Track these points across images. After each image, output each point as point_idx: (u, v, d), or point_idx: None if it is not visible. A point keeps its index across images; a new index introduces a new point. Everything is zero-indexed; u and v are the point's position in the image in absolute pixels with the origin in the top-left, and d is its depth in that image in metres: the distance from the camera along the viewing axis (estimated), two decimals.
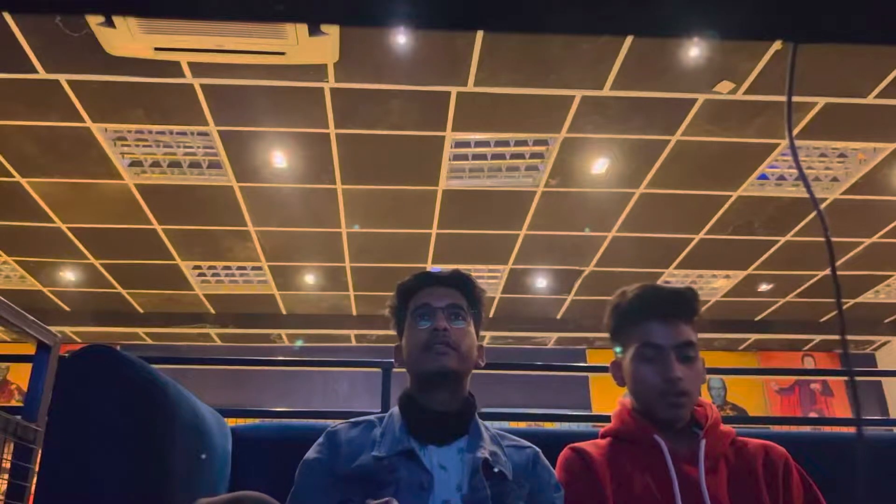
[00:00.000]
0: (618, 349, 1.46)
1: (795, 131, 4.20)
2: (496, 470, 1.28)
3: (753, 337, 7.63)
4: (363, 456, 1.28)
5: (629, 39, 3.42)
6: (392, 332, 1.48)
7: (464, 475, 1.27)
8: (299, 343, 7.70)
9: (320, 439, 1.35)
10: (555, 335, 7.61)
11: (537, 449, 1.39)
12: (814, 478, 1.40)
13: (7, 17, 3.20)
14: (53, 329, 1.94)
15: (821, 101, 3.95)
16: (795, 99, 3.90)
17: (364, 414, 1.46)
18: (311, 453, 1.33)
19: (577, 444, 1.43)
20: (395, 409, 1.39)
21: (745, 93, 3.86)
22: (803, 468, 1.41)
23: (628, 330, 1.41)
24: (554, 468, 1.39)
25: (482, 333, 1.47)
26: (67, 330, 7.10)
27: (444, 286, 1.42)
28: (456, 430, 1.33)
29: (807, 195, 4.85)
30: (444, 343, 1.33)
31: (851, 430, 3.05)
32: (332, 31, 3.37)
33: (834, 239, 5.52)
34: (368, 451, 1.29)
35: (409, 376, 1.41)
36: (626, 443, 1.40)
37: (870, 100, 3.91)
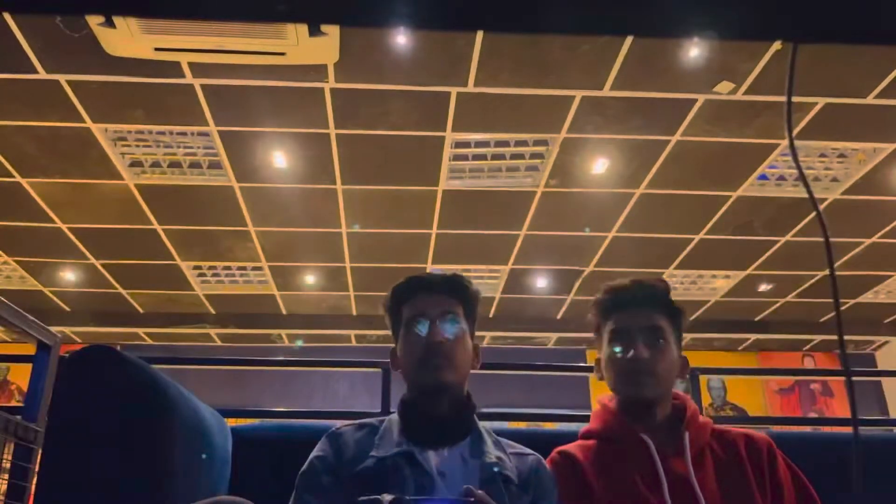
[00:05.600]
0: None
1: (795, 131, 4.20)
2: (501, 474, 1.28)
3: (753, 337, 7.63)
4: (367, 459, 1.28)
5: (629, 39, 3.42)
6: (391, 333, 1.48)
7: (471, 482, 1.26)
8: (299, 343, 7.70)
9: (322, 442, 1.34)
10: (555, 335, 7.61)
11: (539, 456, 1.39)
12: (813, 477, 1.40)
13: (7, 17, 3.20)
14: (53, 329, 1.94)
15: (821, 101, 3.95)
16: (795, 99, 3.90)
17: (364, 414, 1.46)
18: (314, 457, 1.32)
19: (563, 448, 1.44)
20: (393, 415, 1.39)
21: (745, 93, 3.86)
22: (803, 468, 1.42)
23: (605, 323, 1.46)
24: None
25: (479, 334, 1.47)
26: (67, 330, 7.09)
27: (438, 292, 1.40)
28: (455, 434, 1.33)
29: (807, 195, 4.84)
30: (439, 356, 1.32)
31: (850, 430, 3.05)
32: (332, 31, 3.37)
33: (834, 239, 5.52)
34: (371, 453, 1.29)
35: (405, 382, 1.41)
36: (611, 442, 1.41)
37: (870, 100, 3.91)
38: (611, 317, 1.44)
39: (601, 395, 1.53)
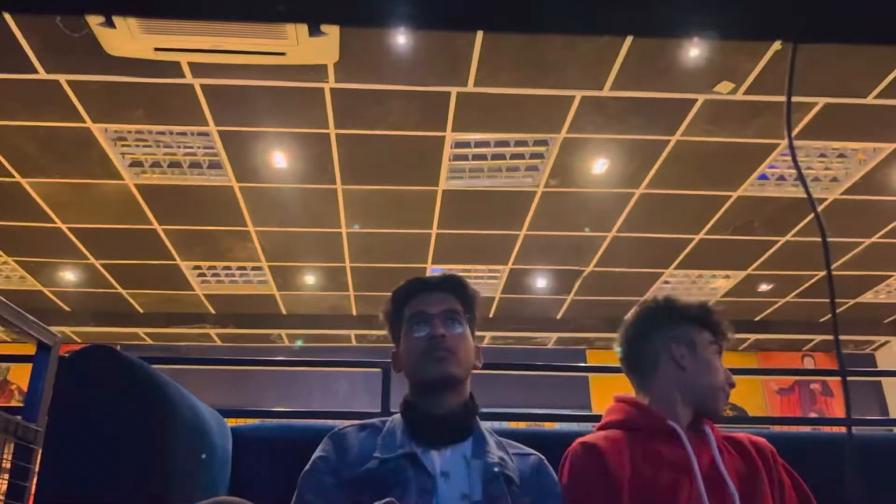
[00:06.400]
0: (671, 338, 1.50)
1: (795, 131, 4.20)
2: (503, 474, 1.28)
3: (753, 337, 7.63)
4: (370, 460, 1.28)
5: (629, 39, 3.42)
6: None
7: (474, 482, 1.26)
8: (299, 343, 7.70)
9: (325, 443, 1.34)
10: (555, 335, 7.61)
11: (541, 456, 1.39)
12: (813, 478, 1.41)
13: (7, 17, 3.20)
14: (53, 329, 1.94)
15: (821, 101, 3.95)
16: (795, 99, 3.90)
17: (364, 415, 1.46)
18: (316, 457, 1.32)
19: (585, 438, 1.41)
20: (396, 416, 1.39)
21: (745, 93, 3.86)
22: (803, 468, 1.43)
23: (685, 326, 1.53)
24: (556, 472, 1.39)
25: (479, 334, 1.47)
26: (67, 330, 7.09)
27: (437, 291, 1.41)
28: (457, 434, 1.33)
29: (806, 195, 4.84)
30: (442, 348, 1.33)
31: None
32: (332, 31, 3.37)
33: (834, 239, 5.53)
34: (374, 454, 1.29)
35: (407, 383, 1.40)
36: (636, 430, 1.40)
37: (870, 100, 3.91)
38: (699, 326, 1.55)
39: (617, 392, 1.53)
